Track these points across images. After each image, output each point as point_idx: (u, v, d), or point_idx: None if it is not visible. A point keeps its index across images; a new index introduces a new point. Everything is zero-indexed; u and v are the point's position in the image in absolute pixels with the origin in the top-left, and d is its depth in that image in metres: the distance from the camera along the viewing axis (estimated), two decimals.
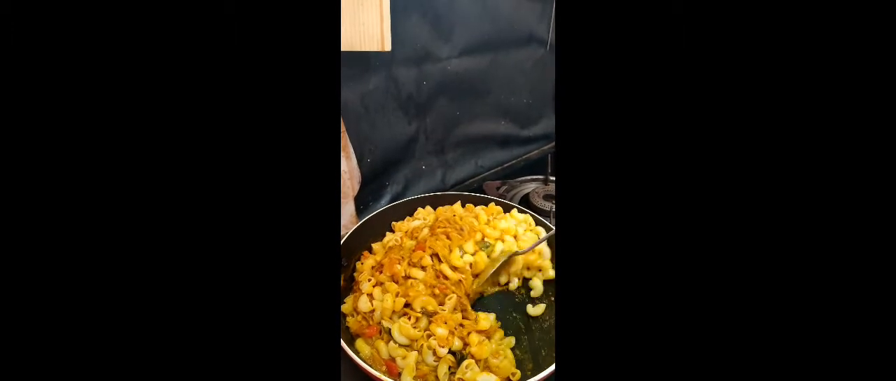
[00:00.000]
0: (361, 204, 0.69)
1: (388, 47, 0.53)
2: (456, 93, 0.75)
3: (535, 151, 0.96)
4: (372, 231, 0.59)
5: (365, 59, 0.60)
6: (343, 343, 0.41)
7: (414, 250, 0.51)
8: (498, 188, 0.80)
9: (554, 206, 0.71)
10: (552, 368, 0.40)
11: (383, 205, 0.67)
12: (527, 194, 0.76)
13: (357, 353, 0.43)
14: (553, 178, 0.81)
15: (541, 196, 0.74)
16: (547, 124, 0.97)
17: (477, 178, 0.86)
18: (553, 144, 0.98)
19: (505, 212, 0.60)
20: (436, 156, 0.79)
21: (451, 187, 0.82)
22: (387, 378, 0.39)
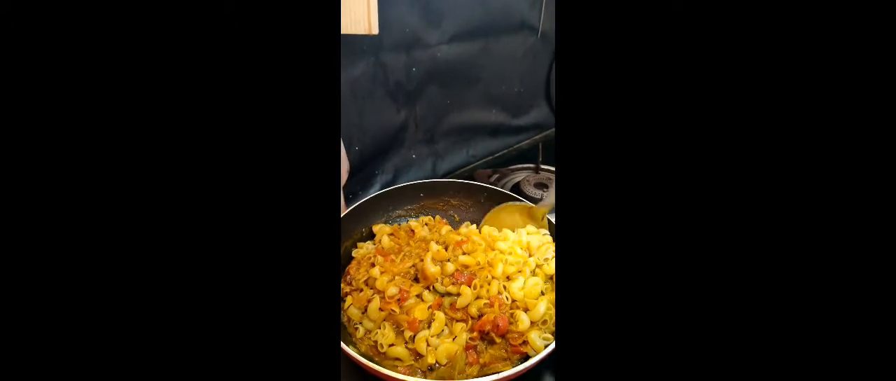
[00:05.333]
0: (350, 193, 0.68)
1: (375, 30, 0.51)
2: (446, 80, 0.73)
3: (527, 141, 0.96)
4: (360, 219, 0.58)
5: (351, 44, 0.58)
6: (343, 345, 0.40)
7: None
8: (489, 177, 0.79)
9: (544, 193, 0.70)
10: (552, 347, 0.40)
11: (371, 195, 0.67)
12: (518, 183, 0.75)
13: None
14: (544, 166, 0.81)
15: (531, 184, 0.74)
16: (537, 114, 0.96)
17: (468, 167, 0.85)
18: (544, 133, 0.98)
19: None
20: (426, 145, 0.78)
21: (443, 177, 0.81)
22: (389, 373, 0.39)
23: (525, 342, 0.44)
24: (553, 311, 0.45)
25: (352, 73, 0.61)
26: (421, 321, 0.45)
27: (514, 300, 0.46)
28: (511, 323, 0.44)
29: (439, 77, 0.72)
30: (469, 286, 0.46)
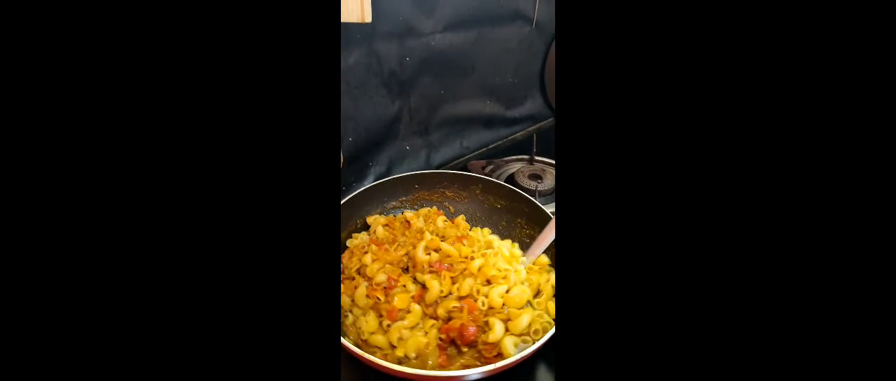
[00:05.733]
0: (344, 184, 0.68)
1: (368, 19, 0.51)
2: (440, 70, 0.73)
3: (521, 132, 0.96)
4: (355, 210, 0.57)
5: (345, 32, 0.57)
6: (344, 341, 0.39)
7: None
8: (483, 168, 0.79)
9: (539, 184, 0.70)
10: (552, 332, 0.40)
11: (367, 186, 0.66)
12: (512, 174, 0.75)
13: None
14: (538, 157, 0.81)
15: (526, 175, 0.74)
16: (532, 105, 0.96)
17: (462, 159, 0.85)
18: (538, 124, 0.98)
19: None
20: (420, 136, 0.77)
21: (437, 168, 0.81)
22: (373, 358, 0.38)
23: (499, 354, 0.41)
24: (538, 325, 0.42)
25: (345, 61, 0.60)
26: (400, 311, 0.44)
27: (491, 307, 0.43)
28: (483, 332, 0.41)
29: (433, 67, 0.71)
30: (438, 276, 0.45)
